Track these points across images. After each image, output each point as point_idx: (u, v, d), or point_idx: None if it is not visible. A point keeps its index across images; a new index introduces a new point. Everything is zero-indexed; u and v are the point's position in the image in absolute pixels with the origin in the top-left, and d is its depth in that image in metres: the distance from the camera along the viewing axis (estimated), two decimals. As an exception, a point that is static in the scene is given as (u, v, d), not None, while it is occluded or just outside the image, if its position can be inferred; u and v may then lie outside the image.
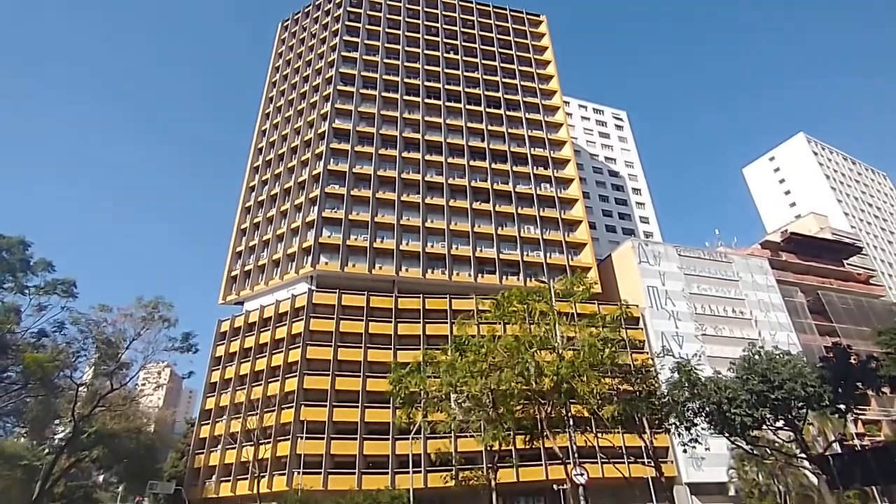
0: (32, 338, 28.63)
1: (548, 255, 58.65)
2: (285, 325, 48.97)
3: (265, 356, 48.45)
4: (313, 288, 50.70)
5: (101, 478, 59.69)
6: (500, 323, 30.02)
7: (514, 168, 64.26)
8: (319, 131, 61.25)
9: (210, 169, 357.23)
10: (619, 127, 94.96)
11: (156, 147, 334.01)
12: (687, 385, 27.55)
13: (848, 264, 77.43)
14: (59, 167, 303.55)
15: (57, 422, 45.51)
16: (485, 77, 71.64)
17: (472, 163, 62.80)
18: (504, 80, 72.32)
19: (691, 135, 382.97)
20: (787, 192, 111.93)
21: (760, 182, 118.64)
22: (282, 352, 47.53)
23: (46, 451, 45.69)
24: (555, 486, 38.90)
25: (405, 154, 61.36)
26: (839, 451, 37.63)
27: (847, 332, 59.21)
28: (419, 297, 50.86)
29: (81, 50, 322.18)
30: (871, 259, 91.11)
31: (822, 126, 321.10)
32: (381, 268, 53.37)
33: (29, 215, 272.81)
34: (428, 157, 61.87)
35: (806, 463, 29.83)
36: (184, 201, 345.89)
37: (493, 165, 63.50)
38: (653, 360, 31.00)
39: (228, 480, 44.04)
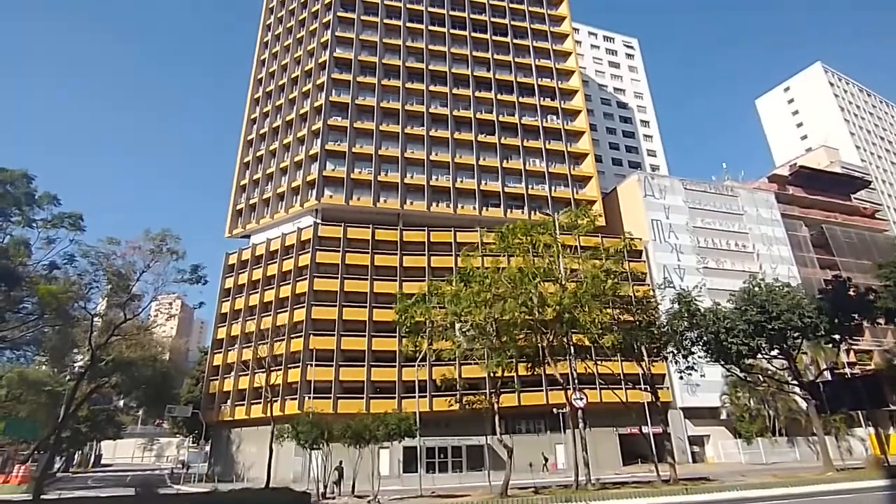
0: (44, 270, 29.00)
1: (553, 188, 58.20)
2: (292, 257, 49.63)
3: (273, 288, 49.47)
4: (318, 221, 50.87)
5: (121, 402, 62.81)
6: (503, 255, 30.18)
7: (521, 99, 62.45)
8: (320, 61, 59.14)
9: (211, 100, 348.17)
10: (629, 56, 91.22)
11: (150, 73, 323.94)
12: (686, 315, 28.13)
13: (855, 198, 76.76)
14: (55, 109, 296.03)
15: (75, 350, 47.15)
16: (491, 2, 68.08)
17: (477, 93, 61.00)
18: (511, 4, 68.75)
19: (705, 65, 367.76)
20: (800, 125, 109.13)
21: (773, 114, 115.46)
22: (289, 283, 48.47)
23: (67, 377, 47.71)
24: (555, 410, 40.82)
25: (409, 85, 59.50)
26: (830, 378, 39.10)
27: (847, 266, 59.63)
28: (424, 230, 51.11)
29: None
30: (878, 193, 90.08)
31: (841, 56, 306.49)
32: (385, 201, 53.24)
33: (27, 151, 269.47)
34: (432, 88, 60.05)
35: (797, 389, 30.95)
36: (184, 134, 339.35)
37: (499, 96, 61.71)
38: (654, 291, 31.47)
39: (242, 404, 46.34)
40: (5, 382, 46.39)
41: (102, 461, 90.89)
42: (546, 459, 39.33)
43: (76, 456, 72.97)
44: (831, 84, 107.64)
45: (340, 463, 28.41)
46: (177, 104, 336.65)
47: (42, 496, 25.61)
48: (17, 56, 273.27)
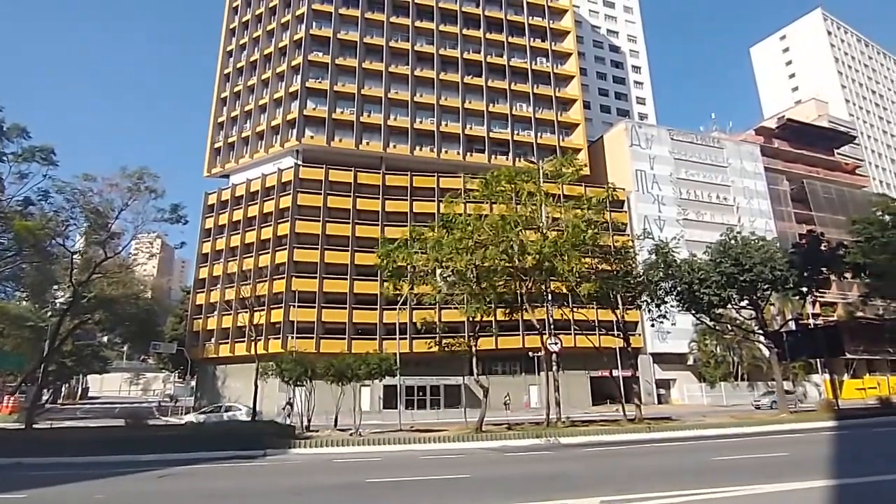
0: (18, 206, 28.31)
1: (539, 134, 57.53)
2: (273, 199, 49.09)
3: (254, 229, 49.21)
4: (299, 163, 50.01)
5: (105, 338, 63.32)
6: (487, 202, 30.28)
7: (510, 39, 60.39)
8: (300, -11, 56.00)
9: (184, 28, 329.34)
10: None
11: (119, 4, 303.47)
12: (662, 266, 28.84)
13: (838, 153, 77.38)
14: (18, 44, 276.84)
15: (56, 287, 46.95)
16: (483, -69, 64.26)
17: (465, 31, 58.79)
18: (504, -66, 65.00)
19: (706, 8, 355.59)
20: (792, 76, 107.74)
21: (767, 64, 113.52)
22: (270, 225, 48.21)
23: (49, 313, 47.68)
24: (530, 353, 42.33)
25: (394, 19, 56.97)
26: (794, 328, 40.88)
27: (824, 221, 60.86)
28: (407, 175, 50.67)
29: None
30: (862, 149, 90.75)
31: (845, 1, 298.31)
32: (368, 143, 52.26)
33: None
34: (418, 24, 57.61)
35: (762, 338, 32.41)
36: (158, 67, 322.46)
37: (488, 35, 59.58)
38: (633, 242, 31.98)
39: (227, 342, 47.15)
40: (-14, 317, 46.38)
41: (89, 394, 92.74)
42: (507, 403, 40.60)
43: (63, 388, 74.23)
44: (829, 33, 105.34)
45: (290, 398, 29.54)
46: (151, 35, 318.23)
47: (34, 425, 26.33)
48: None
